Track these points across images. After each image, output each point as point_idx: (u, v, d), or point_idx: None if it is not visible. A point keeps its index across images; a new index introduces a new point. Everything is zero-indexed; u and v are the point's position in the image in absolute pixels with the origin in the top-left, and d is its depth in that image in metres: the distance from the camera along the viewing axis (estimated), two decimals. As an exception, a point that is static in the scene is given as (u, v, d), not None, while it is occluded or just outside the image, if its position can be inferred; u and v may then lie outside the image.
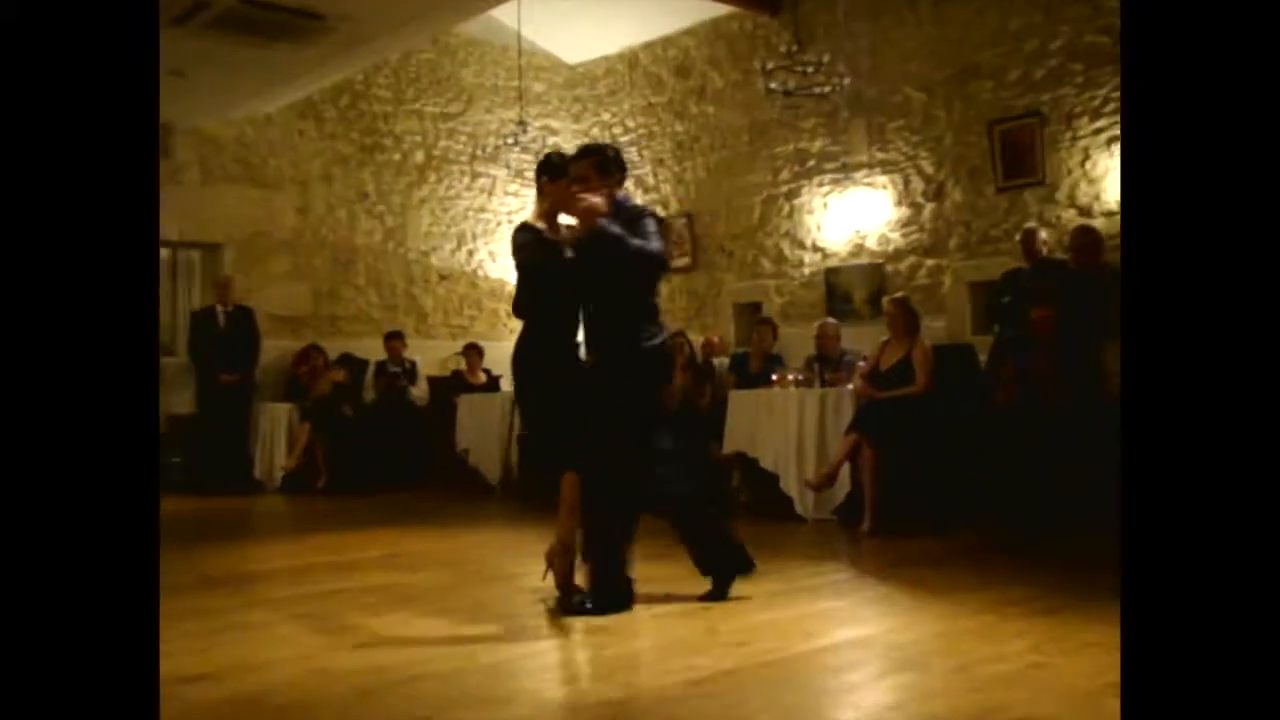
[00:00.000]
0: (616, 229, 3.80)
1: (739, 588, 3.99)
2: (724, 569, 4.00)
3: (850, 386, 6.49)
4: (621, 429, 3.84)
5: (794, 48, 7.13)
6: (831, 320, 7.59)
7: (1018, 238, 7.06)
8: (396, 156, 10.59)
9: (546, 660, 3.22)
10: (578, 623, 3.72)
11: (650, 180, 10.77)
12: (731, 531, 4.13)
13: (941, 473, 5.98)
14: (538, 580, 4.16)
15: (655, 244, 3.87)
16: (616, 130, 11.13)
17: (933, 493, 5.96)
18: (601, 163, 4.04)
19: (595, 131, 11.33)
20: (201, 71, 7.94)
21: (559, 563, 4.03)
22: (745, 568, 4.01)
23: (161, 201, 9.21)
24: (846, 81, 7.55)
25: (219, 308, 8.95)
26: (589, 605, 3.78)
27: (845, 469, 6.13)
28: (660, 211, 10.65)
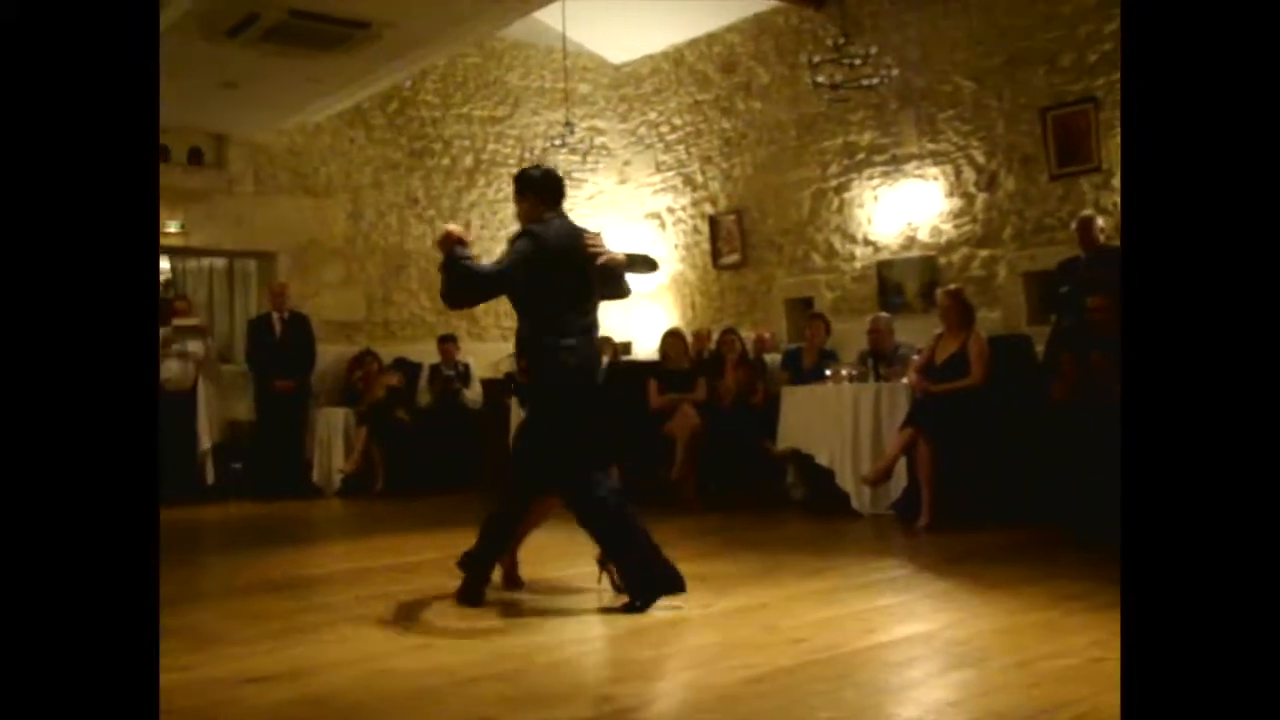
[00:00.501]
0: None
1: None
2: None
3: (904, 380, 6.43)
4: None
5: (841, 40, 7.08)
6: (884, 314, 7.53)
7: (1074, 226, 6.94)
8: (445, 161, 10.67)
9: (605, 659, 3.23)
10: (636, 622, 3.73)
11: (698, 178, 10.76)
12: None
13: (999, 466, 5.90)
14: (594, 581, 4.18)
15: (481, 266, 4.27)
16: (663, 129, 11.13)
17: (990, 486, 5.89)
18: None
19: (642, 131, 11.34)
20: (253, 83, 8.06)
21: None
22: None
23: (216, 212, 9.41)
24: (895, 72, 7.48)
25: (275, 315, 9.08)
26: (637, 605, 3.82)
27: (901, 463, 6.08)
28: (709, 209, 10.64)
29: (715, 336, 8.68)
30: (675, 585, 3.87)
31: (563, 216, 4.28)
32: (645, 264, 4.40)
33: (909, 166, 8.83)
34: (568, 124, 9.28)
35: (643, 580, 3.87)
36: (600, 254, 4.13)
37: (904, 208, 8.87)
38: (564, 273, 4.10)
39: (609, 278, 4.20)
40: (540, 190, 4.33)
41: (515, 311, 4.29)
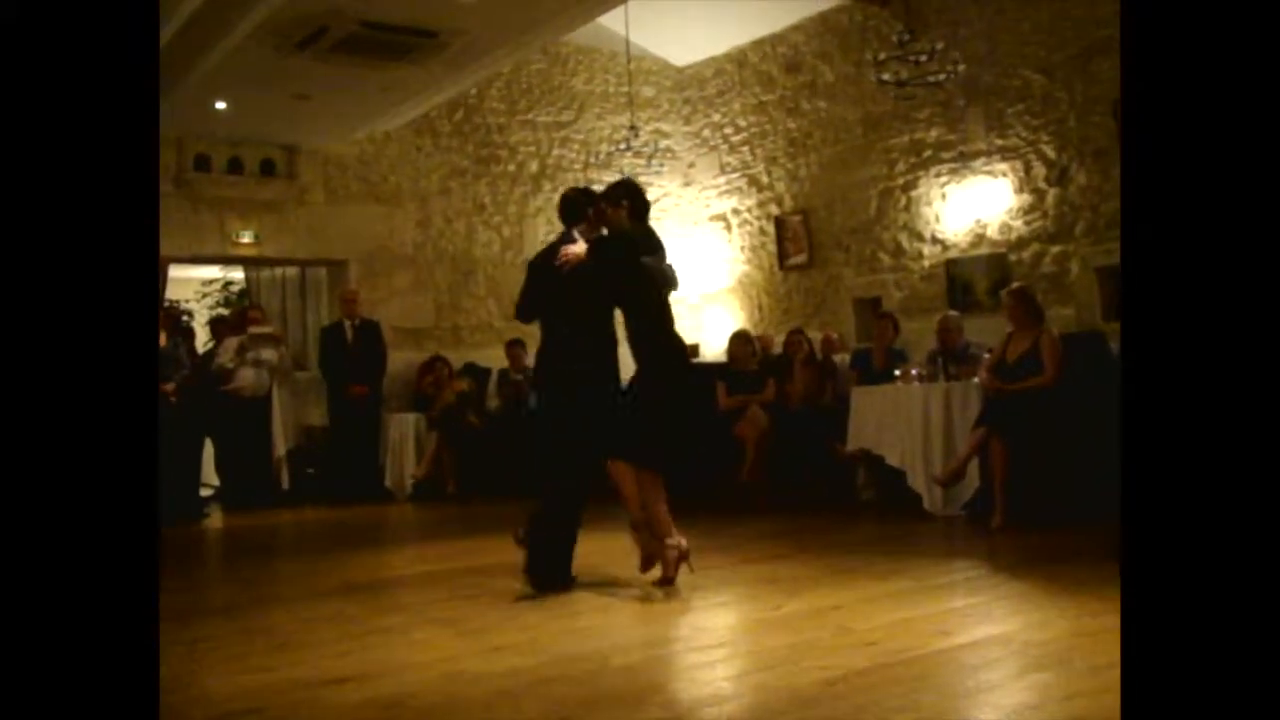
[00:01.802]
0: None
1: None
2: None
3: (976, 380, 6.35)
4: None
5: (905, 37, 7.01)
6: (954, 313, 7.43)
7: (1149, 219, 6.80)
8: (511, 167, 10.76)
9: (678, 662, 3.23)
10: (708, 623, 3.73)
11: (764, 179, 10.72)
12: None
13: (1074, 465, 5.80)
14: (667, 583, 4.18)
15: None
16: (728, 130, 11.11)
17: (1065, 486, 5.79)
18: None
19: (706, 133, 11.34)
20: (325, 95, 8.21)
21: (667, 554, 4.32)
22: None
23: (288, 222, 9.59)
24: (961, 68, 7.39)
25: (346, 322, 9.22)
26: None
27: (974, 464, 5.99)
28: (775, 209, 10.60)
29: (780, 339, 8.65)
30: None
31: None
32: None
33: (977, 163, 8.71)
34: (632, 128, 9.30)
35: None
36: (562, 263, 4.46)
37: (972, 205, 8.75)
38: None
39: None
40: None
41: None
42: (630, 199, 4.58)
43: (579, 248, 4.48)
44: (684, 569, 4.32)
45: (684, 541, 4.33)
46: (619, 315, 4.53)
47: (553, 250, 4.60)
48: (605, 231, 4.56)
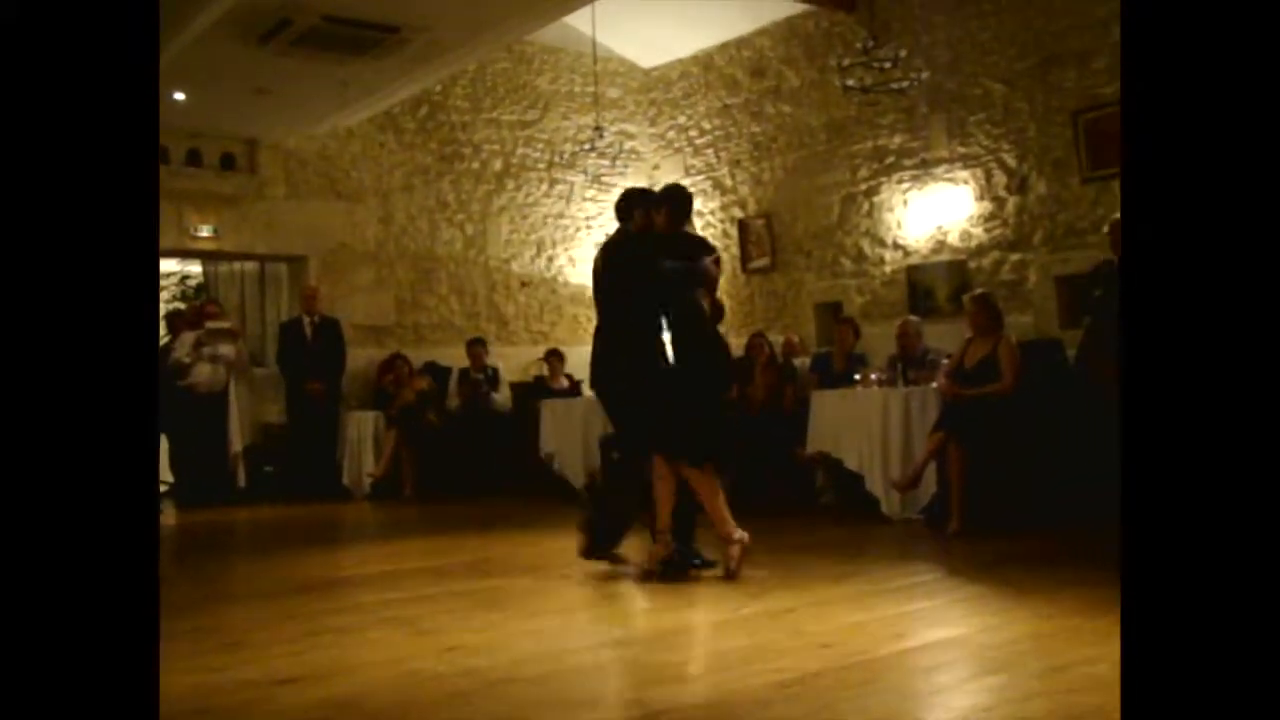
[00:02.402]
0: None
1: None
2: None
3: (934, 385, 6.40)
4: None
5: (870, 43, 7.06)
6: (913, 318, 7.48)
7: (1106, 229, 6.87)
8: (475, 165, 10.72)
9: (634, 662, 3.23)
10: (664, 625, 3.73)
11: (728, 182, 10.75)
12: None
13: (1030, 471, 5.86)
14: (624, 584, 4.18)
15: None
16: (693, 133, 11.13)
17: (1022, 492, 5.84)
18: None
19: (671, 135, 11.35)
20: (285, 88, 8.13)
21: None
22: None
23: (248, 216, 9.49)
24: (924, 76, 7.46)
25: (305, 318, 9.14)
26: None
27: (931, 468, 6.04)
28: (738, 213, 10.63)
29: (742, 342, 8.66)
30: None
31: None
32: None
33: (939, 170, 8.79)
34: (597, 128, 9.30)
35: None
36: None
37: (934, 211, 8.83)
38: None
39: None
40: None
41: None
42: (669, 204, 4.83)
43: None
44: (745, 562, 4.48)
45: (746, 535, 4.50)
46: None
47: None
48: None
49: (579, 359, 9.90)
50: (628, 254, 4.80)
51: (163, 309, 10.07)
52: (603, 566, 4.76)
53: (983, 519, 5.67)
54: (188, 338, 8.60)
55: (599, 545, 4.76)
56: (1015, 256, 8.27)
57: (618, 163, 9.35)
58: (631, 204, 4.95)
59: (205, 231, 9.31)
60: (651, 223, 4.82)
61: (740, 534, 4.47)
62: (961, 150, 8.63)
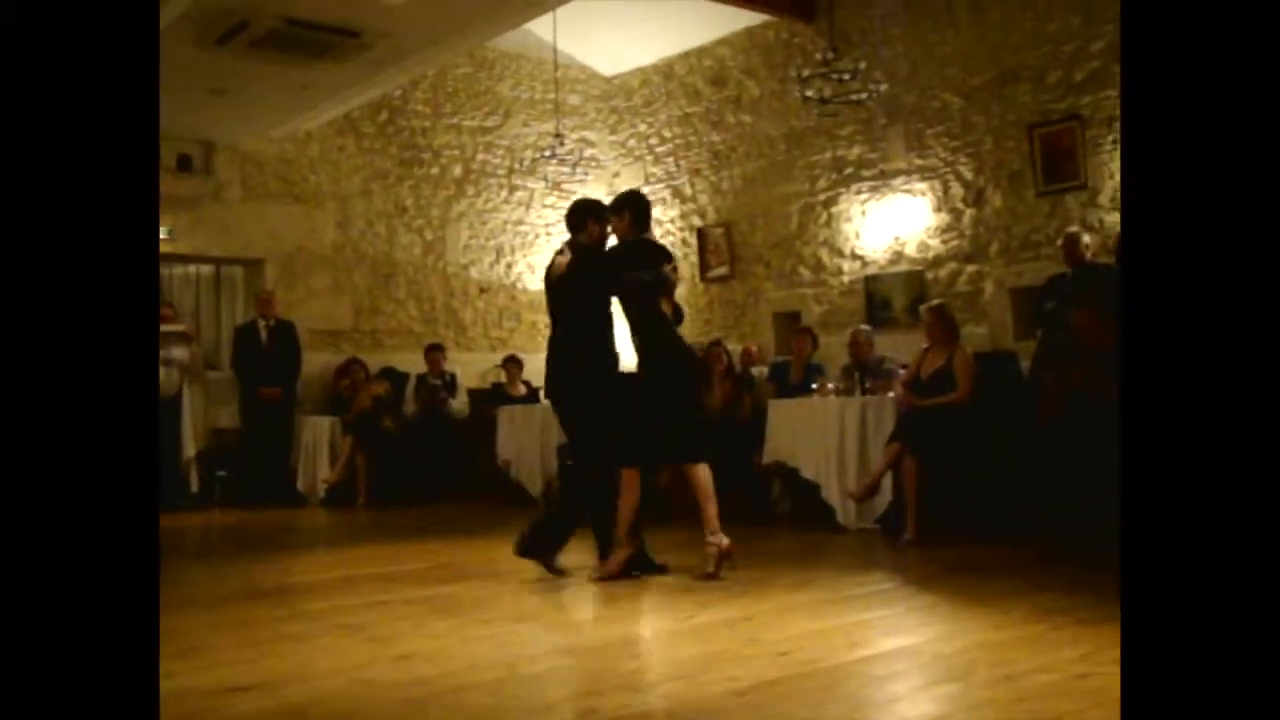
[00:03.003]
0: None
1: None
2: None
3: (891, 395, 6.45)
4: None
5: (830, 55, 7.10)
6: (864, 327, 7.54)
7: (1059, 242, 6.98)
8: (435, 171, 10.67)
9: (587, 670, 3.22)
10: (618, 633, 3.72)
11: (687, 190, 10.78)
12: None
13: (985, 481, 5.92)
14: (579, 591, 4.16)
15: None
16: (653, 141, 11.16)
17: (976, 502, 5.90)
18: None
19: (632, 143, 11.37)
20: (243, 91, 8.05)
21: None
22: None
23: (204, 219, 9.38)
24: (883, 88, 7.52)
25: (261, 322, 9.05)
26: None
27: (888, 478, 6.08)
28: (697, 221, 10.66)
29: (700, 351, 8.68)
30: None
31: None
32: None
33: (897, 181, 8.87)
34: (558, 135, 9.30)
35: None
36: None
37: (892, 222, 8.90)
38: None
39: None
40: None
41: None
42: (630, 209, 4.88)
43: (564, 259, 4.84)
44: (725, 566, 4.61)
45: (725, 540, 4.62)
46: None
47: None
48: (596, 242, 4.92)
49: (537, 366, 9.86)
50: (590, 264, 4.81)
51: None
52: (553, 576, 4.75)
53: (938, 528, 5.72)
54: (140, 341, 8.48)
55: (535, 548, 4.74)
56: (972, 268, 8.36)
57: (578, 170, 9.35)
58: (585, 215, 4.95)
59: (161, 233, 9.19)
60: (605, 233, 4.86)
61: (724, 538, 4.60)
62: (919, 162, 8.72)
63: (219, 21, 6.70)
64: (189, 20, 6.63)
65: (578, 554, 4.94)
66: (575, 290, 4.79)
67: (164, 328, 8.54)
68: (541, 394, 9.31)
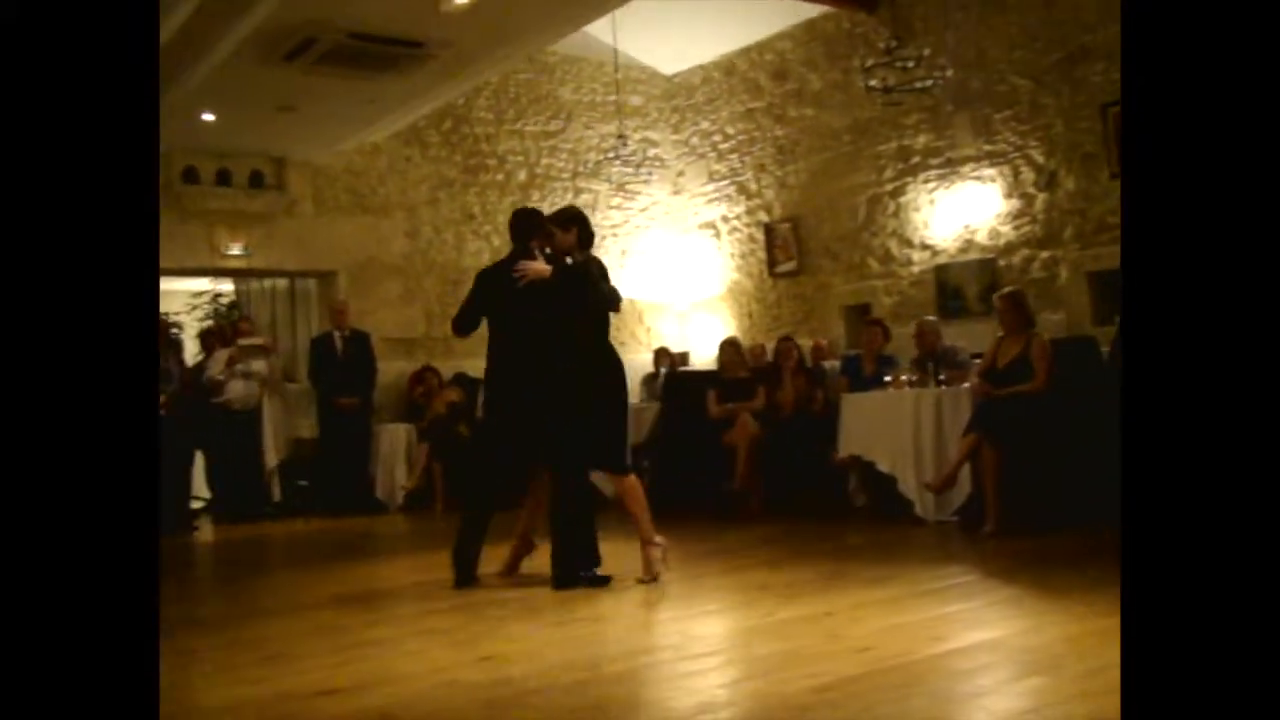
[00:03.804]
0: None
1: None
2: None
3: (966, 385, 6.35)
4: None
5: (893, 43, 7.03)
6: (930, 318, 7.44)
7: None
8: (500, 177, 10.76)
9: (670, 670, 3.22)
10: (700, 631, 3.72)
11: (753, 186, 10.74)
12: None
13: (1065, 470, 5.80)
14: (657, 591, 4.16)
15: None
16: (716, 138, 11.13)
17: (1057, 491, 5.79)
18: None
19: (695, 141, 11.35)
20: (311, 106, 8.20)
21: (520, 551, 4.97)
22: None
23: (278, 233, 9.57)
24: (949, 74, 7.42)
25: (336, 333, 9.20)
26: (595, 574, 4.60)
27: (965, 470, 5.99)
28: (764, 217, 10.62)
29: (771, 346, 8.65)
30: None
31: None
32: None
33: (965, 168, 8.74)
34: (620, 136, 9.32)
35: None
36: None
37: (961, 210, 8.78)
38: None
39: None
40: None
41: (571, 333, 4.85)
42: (579, 226, 4.92)
43: (541, 265, 4.81)
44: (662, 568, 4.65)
45: (663, 540, 4.69)
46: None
47: (508, 264, 4.88)
48: (549, 251, 4.94)
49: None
50: (570, 274, 4.80)
51: (196, 327, 10.19)
52: (631, 575, 4.76)
53: (1018, 519, 5.63)
54: (221, 355, 8.68)
55: (570, 574, 4.65)
56: (1045, 253, 8.21)
57: (642, 170, 9.36)
58: (534, 224, 4.99)
59: (236, 250, 9.41)
60: (553, 242, 4.89)
61: (660, 539, 4.66)
62: (988, 148, 8.59)
63: (285, 39, 6.83)
64: (256, 40, 6.77)
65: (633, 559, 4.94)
66: (569, 299, 4.76)
67: (243, 341, 8.74)
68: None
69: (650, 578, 4.58)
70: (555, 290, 4.75)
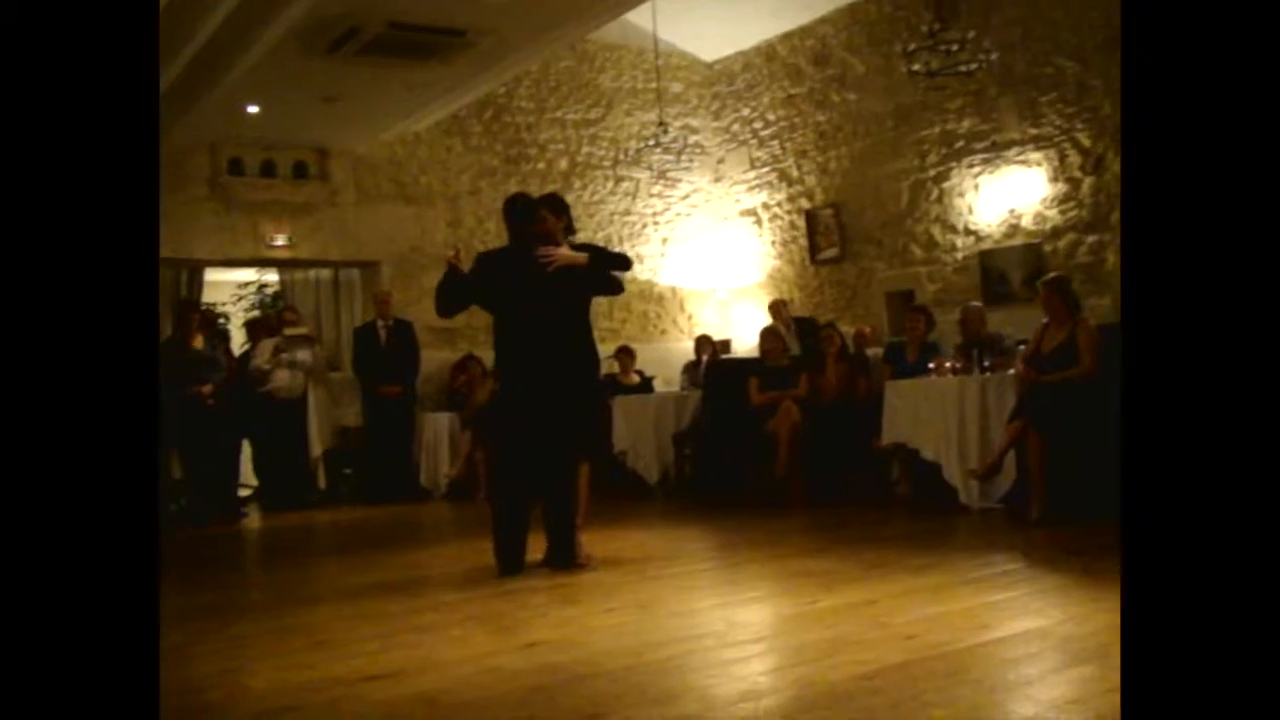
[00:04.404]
0: None
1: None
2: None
3: (1011, 372, 6.29)
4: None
5: (936, 26, 6.95)
6: (975, 304, 7.37)
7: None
8: (541, 165, 10.78)
9: (713, 658, 3.22)
10: (742, 618, 3.72)
11: (794, 173, 10.68)
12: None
13: (1112, 457, 5.71)
14: (700, 578, 4.16)
15: None
16: (757, 124, 11.08)
17: (1104, 478, 5.70)
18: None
19: (735, 128, 11.30)
20: (354, 97, 8.26)
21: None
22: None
23: (321, 224, 9.66)
24: (993, 57, 7.32)
25: (379, 323, 9.26)
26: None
27: (1010, 456, 5.93)
28: (805, 204, 10.57)
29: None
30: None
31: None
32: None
33: (1010, 153, 8.64)
34: (661, 124, 9.30)
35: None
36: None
37: (1006, 195, 8.68)
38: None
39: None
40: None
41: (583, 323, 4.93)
42: (567, 214, 5.02)
43: (570, 251, 4.79)
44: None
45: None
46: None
47: (521, 250, 4.82)
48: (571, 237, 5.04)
49: (649, 355, 9.95)
50: (599, 261, 4.90)
51: (242, 317, 10.31)
52: (674, 564, 4.76)
53: (1064, 506, 5.57)
54: (267, 345, 8.78)
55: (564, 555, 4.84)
56: (1092, 238, 8.10)
57: (683, 157, 9.34)
58: (533, 208, 4.96)
59: (281, 240, 9.51)
60: (546, 228, 4.86)
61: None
62: (1033, 131, 8.48)
63: (328, 31, 6.88)
64: (300, 32, 6.82)
65: (666, 542, 4.95)
66: (591, 285, 4.85)
67: (288, 331, 8.83)
68: (656, 382, 9.36)
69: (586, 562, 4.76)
70: (582, 277, 4.74)
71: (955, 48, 6.89)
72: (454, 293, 4.98)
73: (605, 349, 10.28)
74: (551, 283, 4.69)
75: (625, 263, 5.12)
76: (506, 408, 4.88)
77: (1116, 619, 3.28)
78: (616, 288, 4.97)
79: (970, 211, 8.98)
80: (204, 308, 9.15)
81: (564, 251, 4.76)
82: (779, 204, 10.83)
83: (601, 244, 5.10)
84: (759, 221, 11.09)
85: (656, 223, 11.18)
